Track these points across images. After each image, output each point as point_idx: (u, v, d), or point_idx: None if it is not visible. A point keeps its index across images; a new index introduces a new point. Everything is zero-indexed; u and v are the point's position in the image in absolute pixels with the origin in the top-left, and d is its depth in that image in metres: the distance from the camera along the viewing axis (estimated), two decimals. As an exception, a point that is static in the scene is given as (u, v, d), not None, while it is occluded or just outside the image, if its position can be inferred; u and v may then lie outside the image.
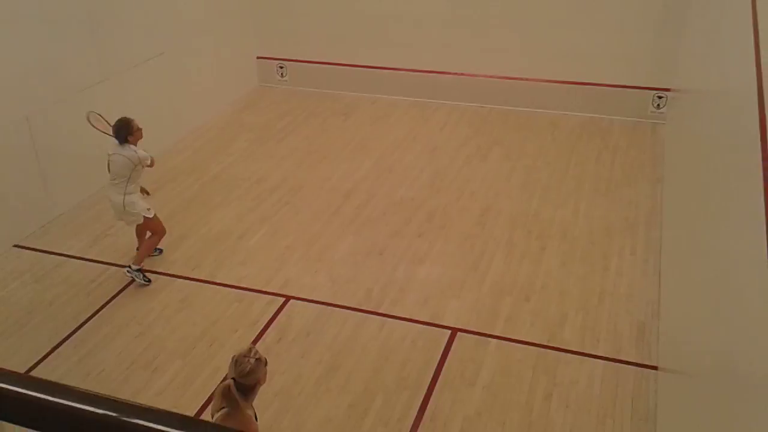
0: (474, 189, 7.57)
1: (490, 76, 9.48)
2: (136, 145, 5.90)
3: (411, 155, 8.38)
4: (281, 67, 10.43)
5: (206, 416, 4.64)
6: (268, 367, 3.46)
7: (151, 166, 6.02)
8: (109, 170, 5.93)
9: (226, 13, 9.60)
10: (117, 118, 5.90)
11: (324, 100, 10.03)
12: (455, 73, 9.62)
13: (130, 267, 6.11)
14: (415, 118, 9.39)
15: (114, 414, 0.90)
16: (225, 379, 3.42)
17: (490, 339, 5.45)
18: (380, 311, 5.76)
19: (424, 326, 5.59)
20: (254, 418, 3.41)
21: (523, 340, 5.43)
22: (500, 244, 6.62)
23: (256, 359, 3.35)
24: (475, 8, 9.19)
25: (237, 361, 3.34)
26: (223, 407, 3.31)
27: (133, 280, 6.12)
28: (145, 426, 0.89)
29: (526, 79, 9.33)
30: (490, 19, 9.19)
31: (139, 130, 5.91)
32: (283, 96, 10.24)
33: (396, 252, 6.53)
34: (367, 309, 5.78)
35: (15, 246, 6.70)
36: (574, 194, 7.42)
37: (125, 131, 5.83)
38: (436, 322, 5.62)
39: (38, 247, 6.71)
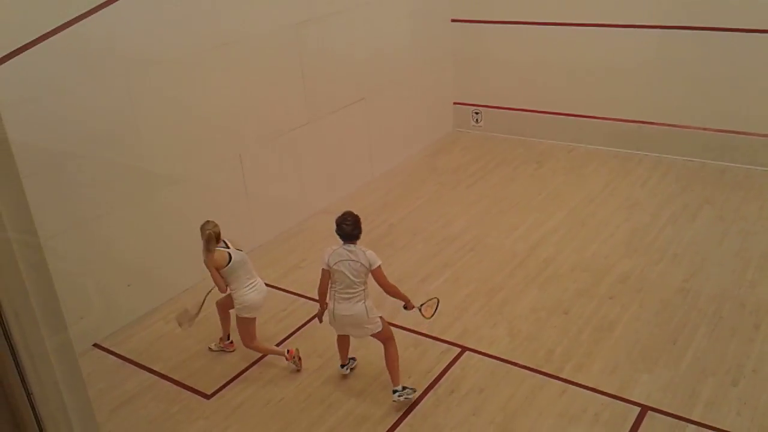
0: (678, 252, 6.89)
1: (704, 129, 8.68)
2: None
3: (607, 210, 7.87)
4: (476, 113, 10.44)
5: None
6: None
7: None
8: (334, 281, 5.04)
9: (425, 61, 9.86)
10: (344, 212, 5.10)
11: (517, 147, 9.84)
12: (663, 124, 8.94)
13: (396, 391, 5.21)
14: (614, 170, 8.85)
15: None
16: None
17: (686, 424, 4.83)
18: (561, 376, 5.38)
19: (610, 399, 5.11)
20: None
21: (727, 430, 4.74)
22: (705, 316, 5.91)
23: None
24: (684, 57, 8.51)
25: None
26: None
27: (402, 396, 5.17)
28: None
29: (746, 133, 8.41)
30: (702, 68, 8.46)
31: None
32: (477, 141, 10.22)
33: (583, 313, 6.10)
34: (548, 372, 5.43)
35: (220, 270, 7.29)
36: (800, 266, 6.47)
37: (359, 230, 5.06)
38: (624, 396, 5.11)
39: (239, 274, 7.23)
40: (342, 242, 5.07)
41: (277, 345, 6.00)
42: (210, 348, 6.03)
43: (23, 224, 1.38)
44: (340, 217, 5.08)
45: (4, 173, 1.29)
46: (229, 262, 5.35)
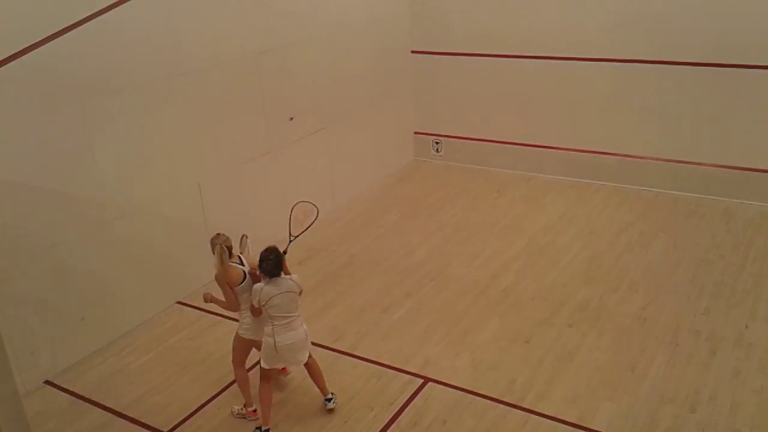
0: (634, 280, 7.02)
1: (657, 159, 8.94)
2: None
3: (565, 238, 7.99)
4: (437, 143, 10.55)
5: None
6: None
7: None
8: (271, 316, 5.00)
9: (386, 91, 9.96)
10: (267, 247, 4.98)
11: (477, 176, 9.96)
12: (619, 154, 9.18)
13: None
14: (571, 199, 9.02)
15: None
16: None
17: (646, 452, 4.88)
18: (523, 405, 5.38)
19: (572, 428, 5.12)
20: None
21: (687, 457, 4.80)
22: (662, 343, 6.01)
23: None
24: (639, 89, 8.79)
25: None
26: None
27: None
28: None
29: (698, 164, 8.69)
30: (656, 100, 8.75)
31: None
32: (437, 170, 10.32)
33: (544, 341, 6.15)
34: (510, 401, 5.43)
35: (177, 303, 7.14)
36: (752, 293, 6.64)
37: (280, 268, 4.96)
38: (585, 425, 5.13)
39: (198, 306, 7.08)
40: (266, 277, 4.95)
41: (234, 382, 5.81)
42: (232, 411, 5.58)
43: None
44: (263, 252, 4.95)
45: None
46: (242, 281, 5.13)
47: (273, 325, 5.00)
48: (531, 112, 9.63)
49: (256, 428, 5.23)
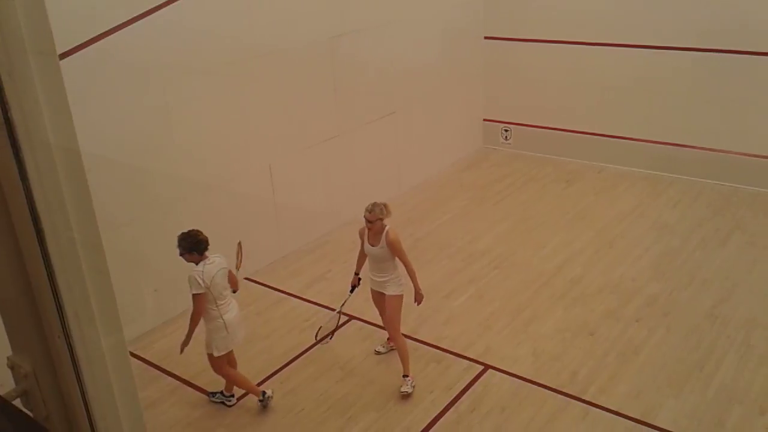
0: (707, 277, 6.79)
1: (737, 153, 8.56)
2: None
3: (636, 231, 7.79)
4: (506, 130, 10.43)
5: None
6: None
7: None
8: (215, 297, 5.09)
9: (457, 77, 9.89)
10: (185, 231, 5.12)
11: (546, 165, 9.80)
12: (696, 147, 8.84)
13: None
14: (644, 192, 8.77)
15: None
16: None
17: (712, 453, 4.74)
18: (585, 398, 5.31)
19: (634, 423, 5.03)
20: None
21: (755, 461, 4.64)
22: (734, 343, 5.81)
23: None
24: (721, 80, 8.43)
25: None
26: None
27: None
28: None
29: (782, 159, 8.27)
30: (739, 91, 8.37)
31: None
32: (506, 158, 10.21)
33: (609, 335, 6.03)
34: (571, 393, 5.37)
35: (245, 279, 7.34)
36: (835, 296, 6.32)
37: (181, 247, 5.10)
38: (648, 422, 5.03)
39: (265, 282, 7.28)
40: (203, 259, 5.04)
41: (297, 357, 6.00)
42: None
43: (88, 227, 1.45)
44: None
45: (75, 181, 1.38)
46: None
47: (218, 304, 5.09)
48: (605, 101, 9.38)
49: (262, 396, 5.40)
